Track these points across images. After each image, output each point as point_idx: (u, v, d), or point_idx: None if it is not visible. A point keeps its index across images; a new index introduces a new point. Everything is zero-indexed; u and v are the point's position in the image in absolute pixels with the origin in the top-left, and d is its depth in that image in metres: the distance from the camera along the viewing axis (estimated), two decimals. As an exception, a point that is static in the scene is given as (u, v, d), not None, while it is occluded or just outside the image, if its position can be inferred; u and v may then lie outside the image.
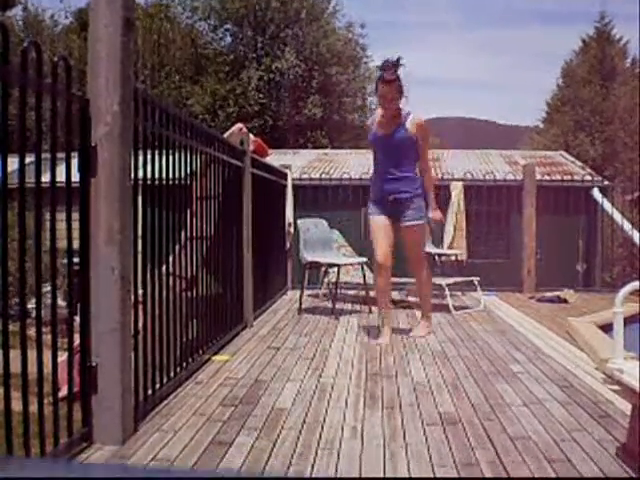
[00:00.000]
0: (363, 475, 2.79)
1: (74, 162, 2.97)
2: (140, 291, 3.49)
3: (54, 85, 2.79)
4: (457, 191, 9.48)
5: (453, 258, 8.93)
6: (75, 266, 3.01)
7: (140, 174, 3.48)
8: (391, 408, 3.66)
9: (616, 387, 3.88)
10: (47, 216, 2.77)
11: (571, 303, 8.16)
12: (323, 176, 11.47)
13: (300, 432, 3.25)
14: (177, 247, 4.33)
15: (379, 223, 5.64)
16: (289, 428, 3.31)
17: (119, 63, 3.05)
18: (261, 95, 25.61)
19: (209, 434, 3.22)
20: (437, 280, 7.76)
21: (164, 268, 3.94)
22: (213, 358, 4.80)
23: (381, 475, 2.79)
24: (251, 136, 6.54)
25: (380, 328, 5.70)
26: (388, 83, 5.36)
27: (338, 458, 2.93)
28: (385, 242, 5.60)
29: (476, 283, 7.72)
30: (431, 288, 6.08)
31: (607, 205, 10.62)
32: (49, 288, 2.89)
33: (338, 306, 7.23)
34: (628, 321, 4.68)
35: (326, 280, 8.18)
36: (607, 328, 5.38)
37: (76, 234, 2.98)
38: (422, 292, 6.06)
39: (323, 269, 7.95)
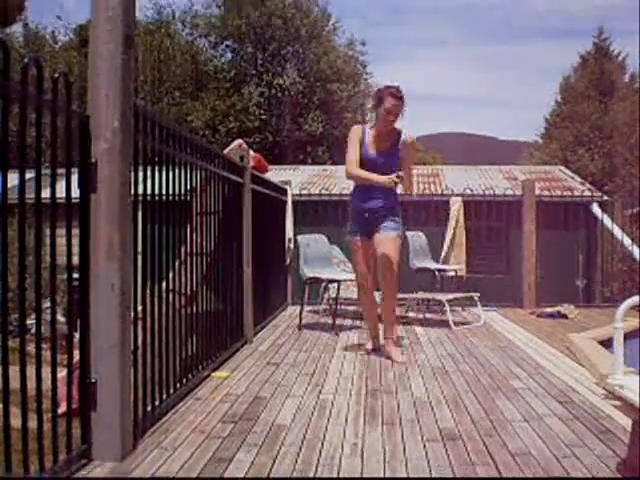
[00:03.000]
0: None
1: (74, 178, 2.98)
2: (140, 307, 3.49)
3: (54, 101, 2.80)
4: (457, 206, 9.49)
5: (453, 273, 8.93)
6: (75, 282, 3.01)
7: (140, 190, 3.49)
8: (391, 424, 3.65)
9: (616, 402, 3.87)
10: (47, 232, 2.77)
11: (571, 318, 8.15)
12: (323, 192, 11.50)
13: (300, 448, 3.24)
14: (177, 263, 4.34)
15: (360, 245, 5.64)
16: (289, 444, 3.30)
17: (119, 80, 3.06)
18: (262, 111, 25.70)
19: (209, 450, 3.21)
20: (437, 296, 7.77)
21: (164, 284, 3.94)
22: (213, 374, 4.79)
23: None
24: (251, 152, 6.56)
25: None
26: (398, 98, 5.39)
27: (338, 474, 2.92)
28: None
29: (476, 299, 7.71)
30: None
31: (607, 220, 10.64)
32: (49, 304, 2.89)
33: (338, 322, 7.22)
34: (628, 336, 4.67)
35: (326, 296, 8.18)
36: (607, 343, 5.37)
37: (76, 250, 2.98)
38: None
39: (323, 285, 7.95)
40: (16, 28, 24.93)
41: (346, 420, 3.72)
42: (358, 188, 5.64)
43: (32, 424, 2.59)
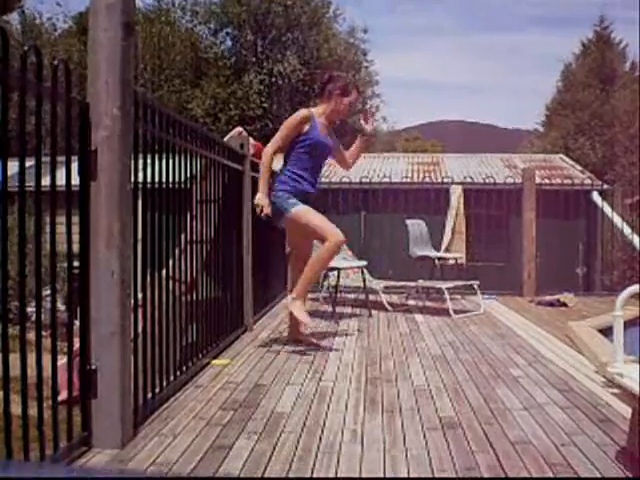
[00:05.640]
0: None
1: (74, 166, 2.97)
2: (140, 295, 3.49)
3: (54, 89, 2.79)
4: (457, 195, 9.48)
5: (452, 262, 8.93)
6: (75, 270, 3.01)
7: (140, 177, 3.48)
8: (391, 412, 3.66)
9: (616, 391, 3.88)
10: (47, 220, 2.77)
11: (571, 307, 8.16)
12: (323, 180, 11.45)
13: (300, 436, 3.25)
14: (177, 251, 4.33)
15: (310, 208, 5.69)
16: (289, 432, 3.31)
17: (119, 67, 3.05)
18: (262, 99, 25.63)
19: (209, 438, 3.22)
20: (437, 284, 7.78)
21: (164, 271, 3.94)
22: (213, 362, 4.80)
23: (381, 479, 2.79)
24: (251, 140, 6.55)
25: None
26: (359, 94, 5.69)
27: (338, 462, 2.93)
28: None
29: (476, 287, 7.72)
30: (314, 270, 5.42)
31: (607, 209, 10.64)
32: (49, 292, 2.89)
33: (338, 310, 7.23)
34: (628, 325, 4.67)
35: (326, 284, 8.18)
36: (607, 332, 5.38)
37: (76, 238, 2.98)
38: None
39: (323, 273, 7.95)
40: (13, 16, 24.84)
41: (346, 407, 3.72)
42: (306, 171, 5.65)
43: (32, 411, 2.60)
